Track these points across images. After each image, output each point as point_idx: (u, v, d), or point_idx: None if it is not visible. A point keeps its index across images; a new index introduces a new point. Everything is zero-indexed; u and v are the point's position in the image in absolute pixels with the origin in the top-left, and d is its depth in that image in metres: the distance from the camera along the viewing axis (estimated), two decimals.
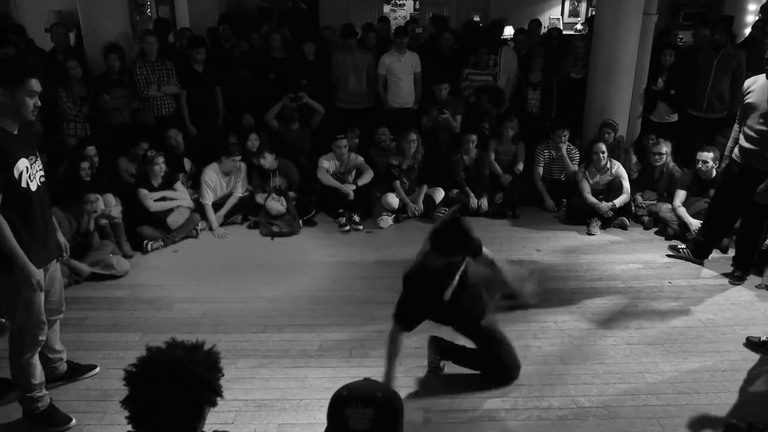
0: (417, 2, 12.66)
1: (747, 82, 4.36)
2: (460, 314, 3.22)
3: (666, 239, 5.38)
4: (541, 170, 6.28)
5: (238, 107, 6.52)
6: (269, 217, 5.56)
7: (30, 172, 2.70)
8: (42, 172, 2.82)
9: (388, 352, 3.07)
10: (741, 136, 4.32)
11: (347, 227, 5.62)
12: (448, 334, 3.39)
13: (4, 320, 3.56)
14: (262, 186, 5.79)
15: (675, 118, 6.61)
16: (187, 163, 5.99)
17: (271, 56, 6.70)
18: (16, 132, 2.69)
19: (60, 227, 4.33)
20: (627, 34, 6.09)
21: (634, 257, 5.03)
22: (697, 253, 4.87)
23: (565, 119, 6.40)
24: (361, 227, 5.65)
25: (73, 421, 2.96)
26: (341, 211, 5.77)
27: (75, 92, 5.73)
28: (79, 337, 3.67)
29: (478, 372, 3.33)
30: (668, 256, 5.01)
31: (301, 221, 5.67)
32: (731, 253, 4.85)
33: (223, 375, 1.72)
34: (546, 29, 9.70)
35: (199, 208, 5.59)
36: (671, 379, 3.34)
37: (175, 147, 5.85)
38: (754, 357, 3.56)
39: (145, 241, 5.08)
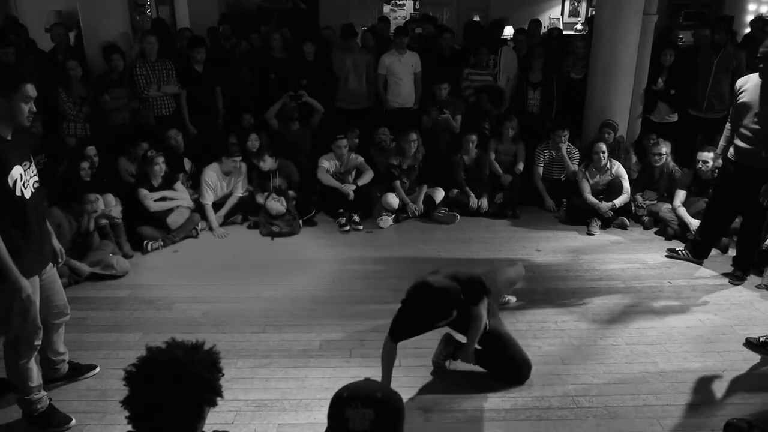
0: (417, 2, 12.65)
1: (739, 82, 4.36)
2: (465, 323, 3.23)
3: (666, 239, 5.38)
4: (541, 170, 6.28)
5: (238, 107, 6.52)
6: (269, 217, 5.56)
7: (24, 179, 2.67)
8: (36, 178, 2.78)
9: (382, 360, 3.10)
10: (736, 136, 4.33)
11: (347, 227, 5.62)
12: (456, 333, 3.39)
13: None
14: (262, 186, 5.79)
15: (675, 118, 6.61)
16: (187, 163, 5.99)
17: (271, 56, 6.70)
18: (10, 138, 2.65)
19: (60, 227, 4.37)
20: (627, 34, 6.09)
21: (634, 257, 5.03)
22: (696, 254, 4.87)
23: (565, 119, 6.40)
24: (361, 227, 5.65)
25: (73, 421, 2.96)
26: (341, 211, 5.76)
27: (75, 92, 5.73)
28: (79, 337, 3.67)
29: (483, 372, 3.32)
30: (667, 257, 5.01)
31: (301, 221, 5.67)
32: (731, 253, 4.85)
33: (223, 375, 1.71)
34: (546, 29, 9.71)
35: (199, 208, 5.59)
36: (671, 379, 3.34)
37: (175, 147, 5.85)
38: (754, 357, 3.56)
39: (145, 241, 5.08)
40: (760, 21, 7.24)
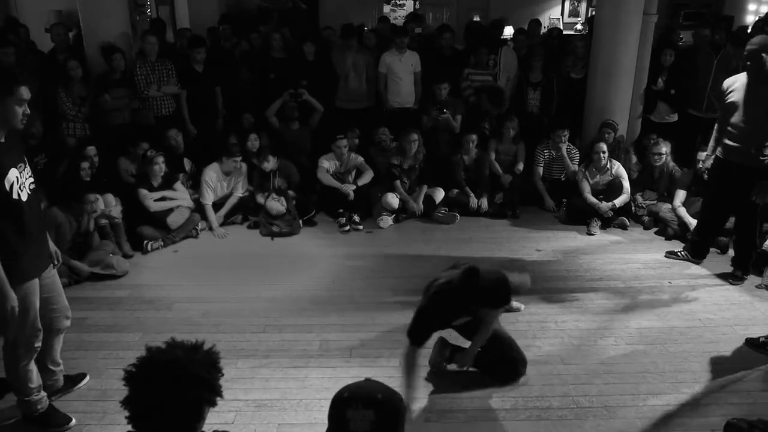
0: (417, 2, 12.65)
1: (727, 82, 4.40)
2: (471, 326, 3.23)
3: (666, 239, 5.38)
4: (541, 170, 6.28)
5: (238, 107, 6.53)
6: (269, 217, 5.56)
7: (20, 181, 2.65)
8: (32, 179, 2.77)
9: (406, 369, 3.00)
10: (724, 134, 4.39)
11: (347, 227, 5.62)
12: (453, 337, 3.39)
13: None
14: (262, 186, 5.79)
15: (675, 118, 6.62)
16: (187, 163, 5.99)
17: (271, 56, 6.70)
18: (3, 140, 2.63)
19: (60, 227, 4.37)
20: (627, 34, 6.09)
21: (634, 257, 5.03)
22: (695, 254, 4.88)
23: (565, 119, 6.40)
24: (361, 227, 5.65)
25: (73, 421, 2.96)
26: (341, 211, 5.77)
27: (75, 92, 5.73)
28: (79, 337, 3.67)
29: (483, 372, 3.32)
30: (666, 257, 5.01)
31: (301, 221, 5.67)
32: (731, 252, 4.85)
33: (222, 375, 1.72)
34: (546, 29, 9.71)
35: (199, 208, 5.59)
36: (671, 379, 3.34)
37: (175, 147, 5.85)
38: (754, 357, 3.56)
39: (145, 241, 5.08)
40: (760, 21, 7.24)
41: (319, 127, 6.51)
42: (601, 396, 3.19)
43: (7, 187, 2.57)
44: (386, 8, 12.40)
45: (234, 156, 5.67)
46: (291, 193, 5.82)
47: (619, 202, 5.66)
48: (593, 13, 9.62)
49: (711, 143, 4.65)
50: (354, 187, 5.88)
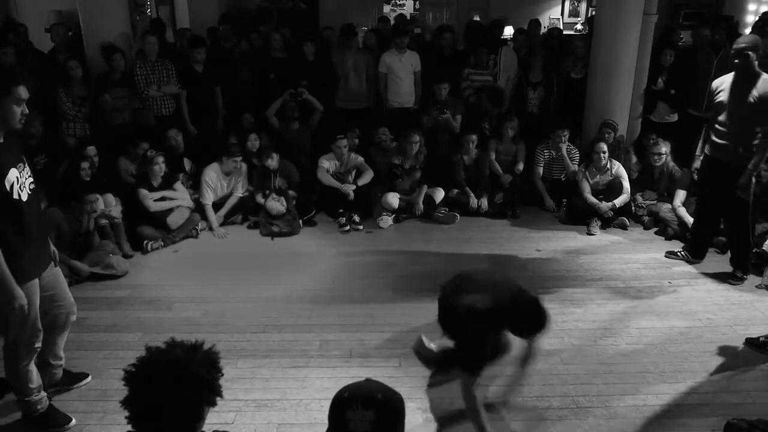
0: (417, 2, 12.66)
1: (716, 82, 4.45)
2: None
3: (666, 239, 5.38)
4: (541, 170, 6.28)
5: (238, 107, 6.53)
6: (269, 217, 5.56)
7: (21, 181, 2.65)
8: (31, 179, 2.76)
9: (473, 406, 2.79)
10: (711, 132, 4.44)
11: (347, 227, 5.63)
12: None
13: None
14: (262, 186, 5.79)
15: (675, 118, 6.61)
16: (187, 163, 5.99)
17: (271, 56, 6.70)
18: (2, 141, 2.63)
19: (60, 227, 4.37)
20: (627, 34, 6.08)
21: (634, 257, 5.03)
22: (694, 254, 4.88)
23: (565, 119, 6.40)
24: (361, 227, 5.65)
25: (73, 421, 2.96)
26: (341, 211, 5.77)
27: (75, 92, 5.73)
28: (79, 337, 3.66)
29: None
30: (666, 257, 5.01)
31: (301, 221, 5.67)
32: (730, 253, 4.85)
33: (222, 375, 1.72)
34: (546, 29, 9.70)
35: (199, 208, 5.59)
36: (671, 378, 3.34)
37: (175, 147, 5.85)
38: (754, 357, 3.56)
39: (145, 241, 5.08)
40: (760, 21, 7.24)
41: (319, 127, 6.51)
42: (601, 396, 3.19)
43: (8, 187, 2.57)
44: (386, 8, 12.41)
45: (234, 156, 5.67)
46: (292, 192, 5.82)
47: (619, 202, 5.66)
48: (593, 13, 9.62)
49: (700, 144, 4.71)
50: (354, 187, 5.88)
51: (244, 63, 6.84)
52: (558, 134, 6.11)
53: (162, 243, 5.17)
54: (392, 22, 8.51)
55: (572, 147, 6.31)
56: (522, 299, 2.87)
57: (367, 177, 6.03)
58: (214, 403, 1.68)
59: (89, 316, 3.98)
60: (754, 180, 4.32)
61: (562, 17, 12.16)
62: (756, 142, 4.17)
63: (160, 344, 1.69)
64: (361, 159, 6.11)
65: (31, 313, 2.74)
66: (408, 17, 12.09)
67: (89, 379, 3.31)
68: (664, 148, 5.78)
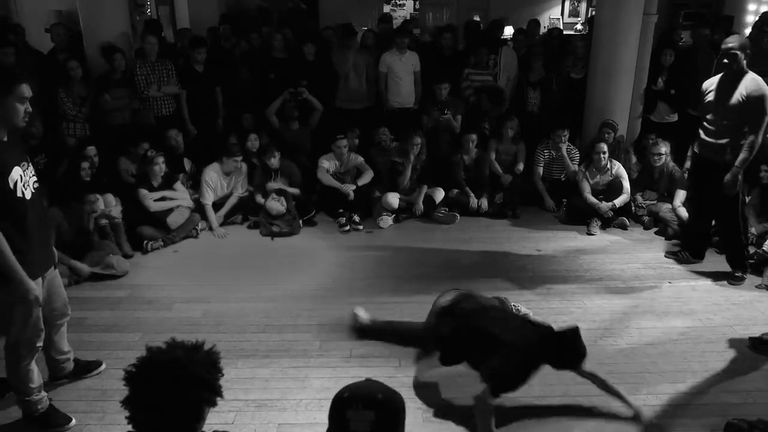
0: (417, 2, 12.66)
1: (706, 83, 4.51)
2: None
3: (666, 239, 5.38)
4: (541, 170, 6.28)
5: (238, 107, 6.53)
6: (269, 217, 5.56)
7: (24, 179, 2.66)
8: (35, 178, 2.78)
9: (486, 416, 2.78)
10: (701, 132, 4.49)
11: (347, 227, 5.63)
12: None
13: None
14: (262, 186, 5.79)
15: (675, 118, 6.61)
16: (187, 163, 5.99)
17: (271, 56, 6.70)
18: (6, 139, 2.64)
19: (60, 227, 4.37)
20: (627, 34, 6.09)
21: (634, 257, 5.03)
22: (694, 254, 4.89)
23: (565, 119, 6.40)
24: (361, 227, 5.65)
25: (73, 421, 2.96)
26: (341, 211, 5.77)
27: (75, 92, 5.74)
28: (79, 337, 3.66)
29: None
30: (666, 257, 5.01)
31: (301, 221, 5.67)
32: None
33: (223, 375, 1.71)
34: (546, 29, 9.69)
35: (199, 208, 5.59)
36: (671, 379, 3.34)
37: (175, 147, 5.86)
38: (754, 357, 3.56)
39: (145, 241, 5.08)
40: (760, 21, 7.24)
41: (319, 127, 6.51)
42: (601, 396, 3.18)
43: (11, 185, 2.58)
44: (386, 8, 12.41)
45: (234, 156, 5.67)
46: (295, 190, 5.80)
47: (619, 202, 5.66)
48: (593, 13, 9.61)
49: (692, 146, 4.76)
50: (354, 187, 5.88)
51: (244, 63, 6.84)
52: (558, 134, 6.11)
53: (162, 243, 5.17)
54: (393, 22, 8.50)
55: (572, 147, 6.31)
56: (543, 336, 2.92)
57: (367, 177, 6.03)
58: (214, 404, 1.68)
59: (89, 316, 3.99)
60: (741, 178, 4.33)
61: (562, 17, 12.17)
62: (744, 141, 4.22)
63: (160, 344, 1.69)
64: (361, 159, 6.11)
65: (34, 313, 2.75)
66: (408, 17, 12.11)
67: (103, 366, 3.36)
68: (664, 148, 5.78)
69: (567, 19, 12.15)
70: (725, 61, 4.22)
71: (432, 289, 4.01)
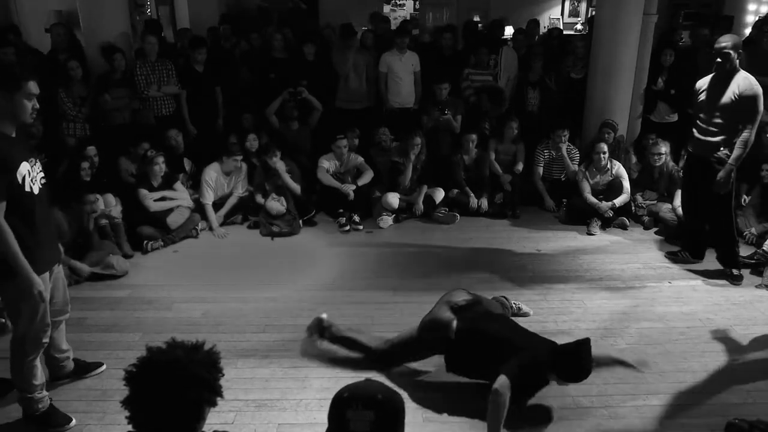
0: (417, 2, 12.66)
1: (699, 82, 4.56)
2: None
3: (666, 239, 5.38)
4: (541, 170, 6.28)
5: (238, 107, 6.53)
6: (269, 217, 5.56)
7: (32, 175, 2.70)
8: (42, 174, 2.82)
9: (498, 416, 2.75)
10: (695, 130, 4.53)
11: (347, 227, 5.63)
12: None
13: (4, 320, 3.57)
14: (262, 186, 5.79)
15: (675, 118, 6.62)
16: (187, 163, 5.99)
17: (271, 56, 6.70)
18: (14, 135, 2.69)
19: (60, 227, 4.37)
20: (627, 34, 6.09)
21: (634, 257, 5.03)
22: (694, 254, 4.89)
23: (565, 119, 6.40)
24: (361, 227, 5.66)
25: (73, 421, 2.96)
26: (341, 211, 5.77)
27: (75, 92, 5.74)
28: (79, 337, 3.66)
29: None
30: (666, 257, 5.01)
31: (301, 221, 5.67)
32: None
33: (223, 375, 1.71)
34: (546, 29, 9.69)
35: (199, 208, 5.59)
36: (671, 379, 3.34)
37: (175, 147, 5.86)
38: (754, 357, 3.56)
39: (145, 241, 5.08)
40: (759, 21, 7.25)
41: (319, 127, 6.52)
42: (601, 396, 3.19)
43: (19, 179, 2.62)
44: (386, 8, 12.42)
45: (234, 155, 5.67)
46: (295, 186, 5.79)
47: (619, 201, 5.66)
48: (593, 13, 9.61)
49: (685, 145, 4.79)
50: (354, 187, 5.88)
51: (244, 63, 6.84)
52: (558, 134, 6.11)
53: (162, 243, 5.17)
54: (386, 20, 8.51)
55: (572, 147, 6.31)
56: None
57: (367, 177, 6.03)
58: (214, 404, 1.68)
59: (89, 316, 3.99)
60: (734, 176, 4.36)
61: (562, 17, 12.17)
62: (737, 139, 4.25)
63: (160, 344, 1.69)
64: (361, 159, 6.11)
65: (40, 307, 2.77)
66: (408, 17, 12.12)
67: (104, 367, 3.37)
68: (663, 148, 5.78)
69: (567, 19, 12.15)
70: (718, 60, 4.28)
71: (432, 289, 4.02)
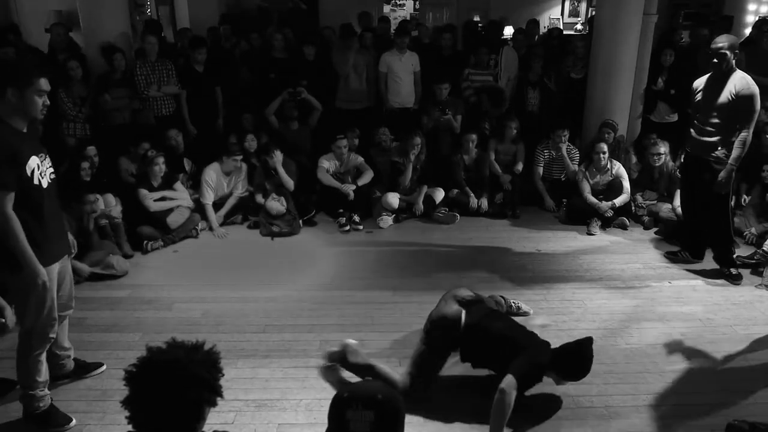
0: (417, 2, 12.66)
1: (696, 82, 4.56)
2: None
3: (666, 239, 5.38)
4: (541, 170, 6.28)
5: (238, 107, 6.53)
6: (269, 217, 5.56)
7: (41, 169, 2.75)
8: (51, 169, 2.88)
9: (498, 416, 2.76)
10: (693, 131, 4.54)
11: (347, 227, 5.62)
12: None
13: (4, 320, 3.56)
14: (262, 186, 5.79)
15: (675, 118, 6.62)
16: (187, 163, 5.99)
17: (271, 56, 6.70)
18: (25, 130, 2.73)
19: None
20: (627, 34, 6.09)
21: (634, 257, 5.03)
22: (694, 254, 4.88)
23: (565, 119, 6.40)
24: (361, 227, 5.65)
25: (73, 421, 2.96)
26: (341, 211, 5.77)
27: (75, 92, 5.74)
28: (79, 337, 3.66)
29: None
30: (666, 257, 5.01)
31: (301, 221, 5.67)
32: (737, 251, 4.82)
33: (223, 375, 1.72)
34: (546, 29, 9.69)
35: (199, 208, 5.59)
36: (671, 379, 3.34)
37: (175, 147, 5.86)
38: (754, 357, 3.56)
39: (145, 241, 5.08)
40: (759, 21, 7.25)
41: (319, 127, 6.52)
42: (601, 396, 3.19)
43: (28, 172, 2.66)
44: (386, 8, 12.42)
45: (234, 155, 5.67)
46: (289, 180, 5.77)
47: (619, 201, 5.66)
48: (593, 13, 9.61)
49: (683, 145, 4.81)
50: (354, 187, 5.88)
51: (244, 63, 6.84)
52: (558, 134, 6.11)
53: (162, 243, 5.17)
54: (386, 20, 8.52)
55: (572, 147, 6.31)
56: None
57: (367, 177, 6.03)
58: (214, 404, 1.68)
59: (89, 316, 3.99)
60: (734, 176, 4.36)
61: (562, 17, 12.17)
62: (734, 138, 4.26)
63: (160, 344, 1.69)
64: (361, 159, 6.11)
65: (47, 300, 2.78)
66: (408, 17, 12.11)
67: (104, 368, 3.37)
68: (663, 148, 5.78)
69: (567, 19, 12.15)
70: (715, 60, 4.28)
71: (432, 289, 4.02)
